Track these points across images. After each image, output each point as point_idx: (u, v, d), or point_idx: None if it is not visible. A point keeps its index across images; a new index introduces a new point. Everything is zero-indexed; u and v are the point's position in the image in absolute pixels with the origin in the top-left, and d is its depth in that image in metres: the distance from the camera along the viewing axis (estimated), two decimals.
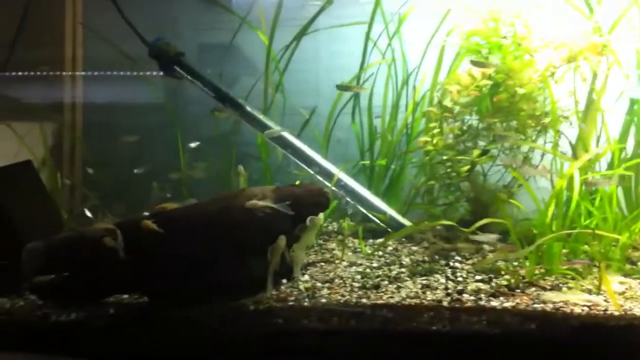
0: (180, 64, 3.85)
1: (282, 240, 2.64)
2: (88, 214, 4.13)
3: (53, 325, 2.81)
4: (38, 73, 4.73)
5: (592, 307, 2.56)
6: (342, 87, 3.85)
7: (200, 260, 2.67)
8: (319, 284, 2.97)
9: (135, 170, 4.30)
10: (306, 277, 3.08)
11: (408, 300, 2.70)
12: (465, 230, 3.16)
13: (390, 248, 3.52)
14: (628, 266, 3.11)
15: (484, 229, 3.25)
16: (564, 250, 3.12)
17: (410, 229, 3.52)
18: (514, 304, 2.62)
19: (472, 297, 2.70)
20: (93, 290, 2.90)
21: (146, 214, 2.87)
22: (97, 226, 2.79)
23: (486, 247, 3.42)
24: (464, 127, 3.54)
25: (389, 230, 3.61)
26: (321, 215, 2.78)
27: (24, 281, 3.15)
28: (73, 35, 4.88)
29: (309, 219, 2.73)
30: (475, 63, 3.41)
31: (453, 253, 3.35)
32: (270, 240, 2.64)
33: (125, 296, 2.97)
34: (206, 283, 2.69)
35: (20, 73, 4.70)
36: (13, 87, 4.69)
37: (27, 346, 2.78)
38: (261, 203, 2.65)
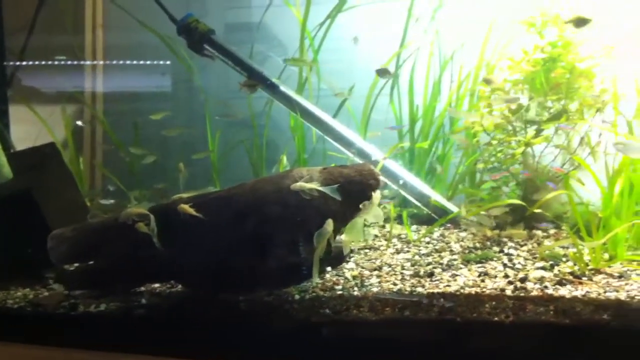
0: (210, 42, 3.65)
1: (329, 224, 2.43)
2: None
3: (81, 317, 2.63)
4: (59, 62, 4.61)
5: None
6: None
7: (242, 245, 2.49)
8: (366, 272, 2.78)
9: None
10: (351, 264, 2.89)
11: (467, 289, 2.50)
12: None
13: (436, 234, 3.32)
14: None
15: (535, 215, 3.11)
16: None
17: (460, 213, 3.30)
18: (583, 292, 2.42)
19: (537, 285, 2.50)
20: (125, 279, 2.73)
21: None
22: (129, 211, 2.61)
23: (539, 233, 3.22)
24: (514, 107, 3.31)
25: (433, 215, 3.41)
26: (378, 194, 2.57)
27: (48, 270, 3.02)
28: (93, 19, 4.71)
29: (363, 203, 2.53)
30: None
31: (505, 239, 3.15)
32: (318, 224, 2.44)
33: (157, 285, 2.80)
34: (248, 270, 2.51)
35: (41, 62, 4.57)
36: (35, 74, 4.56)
37: (52, 339, 2.62)
38: (308, 185, 2.45)
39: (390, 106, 3.88)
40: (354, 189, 2.58)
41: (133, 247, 2.62)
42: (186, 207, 2.50)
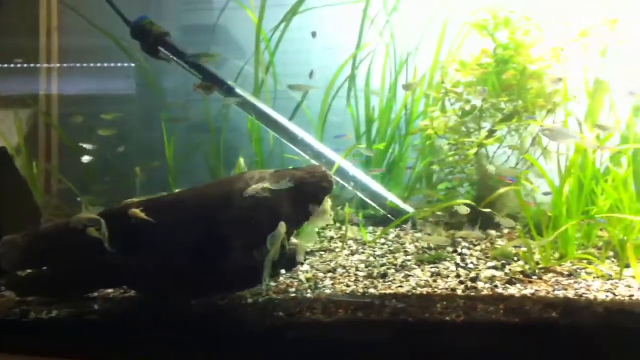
0: (165, 44, 3.61)
1: (282, 227, 2.43)
2: None
3: (33, 324, 2.59)
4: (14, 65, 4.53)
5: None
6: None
7: (196, 249, 2.48)
8: (320, 274, 2.78)
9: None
10: (306, 266, 2.89)
11: (419, 289, 2.51)
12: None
13: (392, 235, 3.34)
14: None
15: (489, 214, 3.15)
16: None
17: (416, 214, 3.33)
18: (532, 291, 2.45)
19: (487, 285, 2.52)
20: (77, 285, 2.69)
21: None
22: (80, 216, 2.57)
23: (493, 233, 3.26)
24: (468, 108, 3.35)
25: (390, 216, 3.42)
26: (329, 200, 2.58)
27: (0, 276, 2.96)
28: (48, 22, 4.63)
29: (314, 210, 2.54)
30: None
31: (459, 239, 3.18)
32: (271, 227, 2.43)
33: (110, 291, 2.76)
34: (201, 274, 2.49)
35: None
36: None
37: (2, 346, 2.56)
38: (258, 186, 2.44)
39: (348, 108, 3.90)
40: (307, 191, 2.58)
41: (85, 252, 2.58)
42: (137, 212, 2.48)
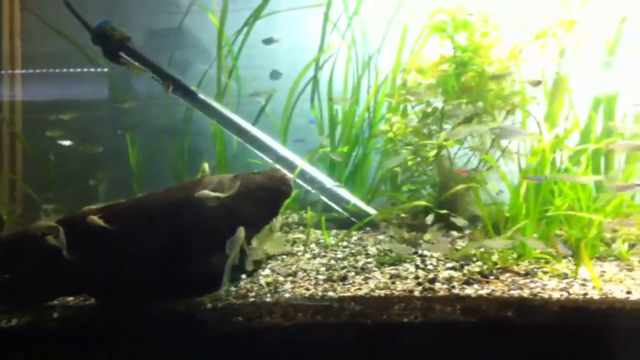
0: (126, 49, 3.58)
1: (241, 231, 2.42)
2: None
3: None
4: None
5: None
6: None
7: (155, 255, 2.47)
8: (281, 278, 2.78)
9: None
10: (267, 271, 2.89)
11: (378, 291, 2.52)
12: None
13: (354, 238, 3.35)
14: (602, 248, 3.00)
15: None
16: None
17: (377, 216, 3.34)
18: (489, 290, 2.48)
19: (444, 286, 2.54)
20: (36, 293, 2.67)
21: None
22: (39, 223, 2.55)
23: (455, 233, 3.28)
24: (429, 110, 3.37)
25: (353, 219, 3.44)
26: (280, 219, 2.61)
27: None
28: (10, 26, 4.58)
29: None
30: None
31: (421, 240, 3.20)
32: (230, 231, 2.43)
33: (71, 298, 2.74)
34: (161, 280, 2.49)
35: None
36: None
37: None
38: (212, 193, 2.44)
39: (312, 111, 3.91)
40: (266, 196, 2.60)
41: (44, 260, 2.57)
42: (95, 219, 2.47)
